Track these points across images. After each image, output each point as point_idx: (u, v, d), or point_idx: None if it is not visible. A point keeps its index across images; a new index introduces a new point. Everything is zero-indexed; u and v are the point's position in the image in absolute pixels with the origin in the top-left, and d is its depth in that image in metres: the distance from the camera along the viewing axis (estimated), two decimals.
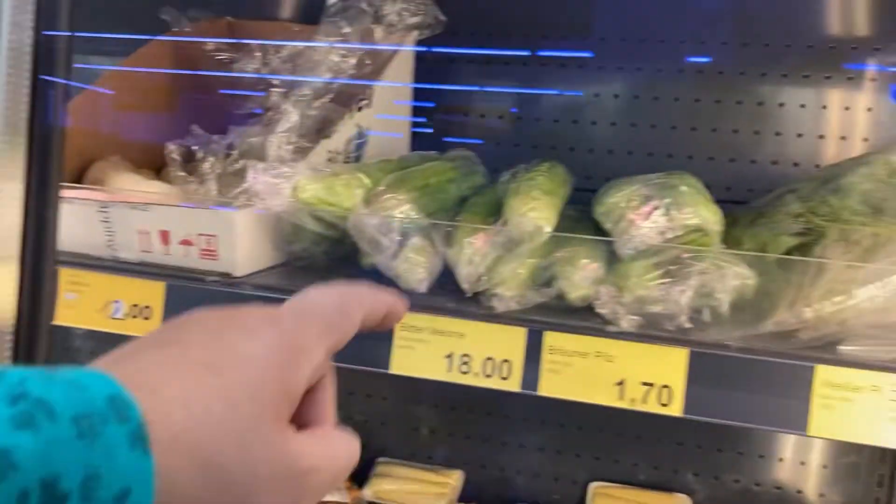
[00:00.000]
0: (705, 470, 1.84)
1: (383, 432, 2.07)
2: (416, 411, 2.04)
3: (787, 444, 1.79)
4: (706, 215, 1.13)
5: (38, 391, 0.40)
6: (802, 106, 1.73)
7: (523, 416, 1.95)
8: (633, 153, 1.82)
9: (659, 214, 1.12)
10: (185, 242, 1.24)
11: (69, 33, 0.74)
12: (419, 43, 1.71)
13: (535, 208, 1.13)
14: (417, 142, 1.87)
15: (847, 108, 1.71)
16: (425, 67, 1.82)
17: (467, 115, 1.95)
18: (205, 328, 0.52)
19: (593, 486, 1.86)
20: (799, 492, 1.79)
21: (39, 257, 0.72)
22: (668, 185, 1.18)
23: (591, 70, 1.84)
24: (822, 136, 1.73)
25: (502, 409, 1.96)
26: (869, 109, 1.70)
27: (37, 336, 0.73)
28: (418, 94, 1.85)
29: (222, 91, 1.76)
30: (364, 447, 1.87)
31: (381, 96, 1.61)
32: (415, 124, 1.87)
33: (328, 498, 1.77)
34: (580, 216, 1.36)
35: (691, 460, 1.85)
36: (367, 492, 1.91)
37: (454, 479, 1.93)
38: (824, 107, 1.72)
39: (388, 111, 1.70)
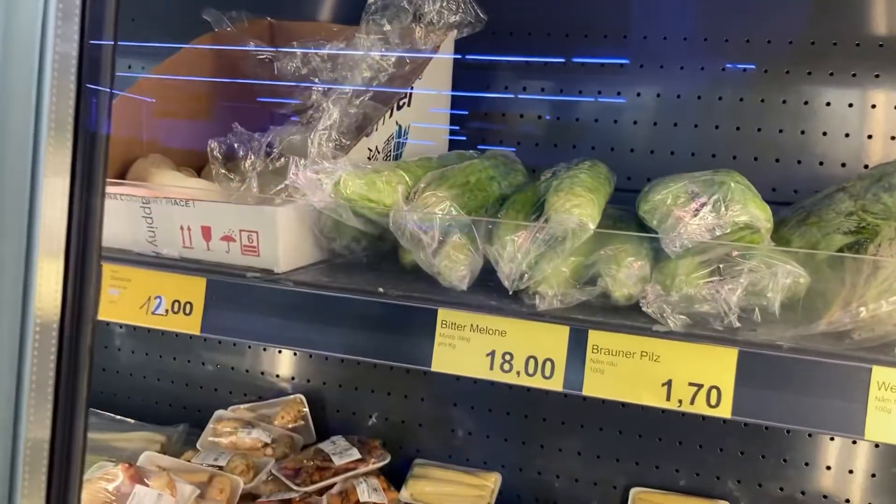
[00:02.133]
0: (749, 477, 1.80)
1: (420, 433, 2.05)
2: (453, 413, 2.02)
3: (834, 452, 1.75)
4: (756, 212, 1.10)
5: None
6: (850, 105, 1.69)
7: (561, 419, 1.92)
8: (676, 153, 1.79)
9: (707, 211, 1.09)
10: (227, 238, 1.24)
11: (113, 42, 0.74)
12: (456, 49, 1.70)
13: (579, 205, 1.11)
14: (455, 143, 1.86)
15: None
16: (461, 72, 1.81)
17: (504, 116, 1.93)
18: None
19: (634, 492, 1.82)
20: (846, 501, 1.74)
21: (84, 253, 0.71)
22: (716, 181, 1.15)
23: (632, 70, 1.82)
24: (870, 136, 1.68)
25: (540, 412, 1.94)
26: None
27: (81, 331, 0.73)
28: (456, 98, 1.85)
29: (262, 89, 1.77)
30: (400, 448, 1.88)
31: (420, 96, 1.60)
32: (452, 126, 1.87)
33: (366, 499, 1.76)
34: (622, 215, 1.34)
35: (734, 467, 1.81)
36: (405, 493, 1.89)
37: (491, 482, 1.91)
38: (873, 106, 1.67)
39: (427, 111, 1.69)
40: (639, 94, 1.81)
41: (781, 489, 1.78)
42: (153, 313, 1.24)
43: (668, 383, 1.04)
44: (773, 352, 1.01)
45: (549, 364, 1.08)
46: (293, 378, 2.17)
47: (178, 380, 2.26)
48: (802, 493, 1.76)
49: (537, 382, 1.09)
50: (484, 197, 1.32)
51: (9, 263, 0.68)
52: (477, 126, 1.93)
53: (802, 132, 1.71)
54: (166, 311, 1.24)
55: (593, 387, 1.06)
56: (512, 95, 1.92)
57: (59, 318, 0.71)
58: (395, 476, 1.93)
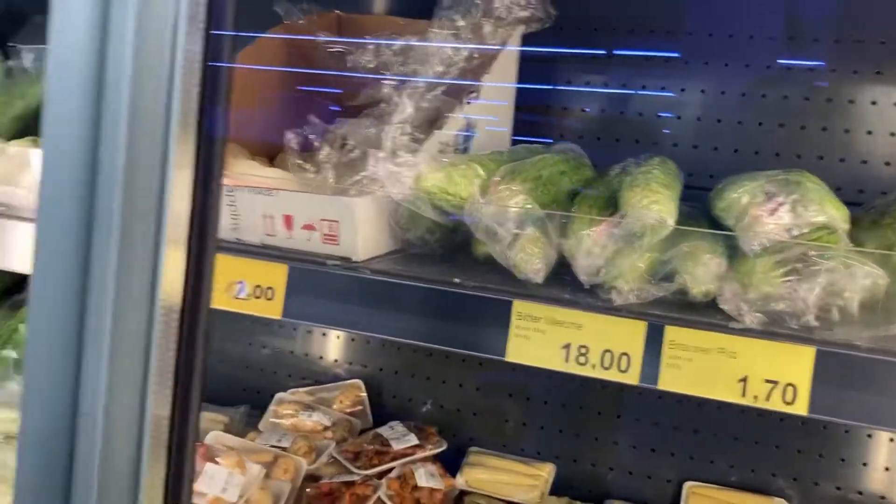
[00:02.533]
0: (805, 475, 1.80)
1: (474, 422, 2.09)
2: (507, 403, 2.05)
3: (893, 454, 1.74)
4: (833, 213, 1.11)
5: None
6: None
7: (617, 412, 1.94)
8: (739, 151, 1.80)
9: (785, 211, 1.11)
10: (308, 227, 1.28)
11: (234, 33, 0.78)
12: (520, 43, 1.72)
13: (657, 201, 1.13)
14: (517, 137, 1.88)
15: None
16: (523, 66, 1.83)
17: (566, 110, 1.95)
18: None
19: (688, 486, 1.84)
20: None
21: (203, 242, 0.76)
22: (791, 181, 1.16)
23: (696, 66, 1.82)
24: None
25: (595, 405, 1.96)
26: None
27: (199, 317, 0.77)
28: (518, 92, 1.87)
29: (332, 81, 1.81)
30: (454, 436, 1.91)
31: (487, 90, 1.63)
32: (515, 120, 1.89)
33: (424, 484, 1.80)
34: (692, 212, 1.35)
35: (791, 464, 1.81)
36: (460, 479, 1.93)
37: (545, 472, 1.93)
38: None
39: (493, 105, 1.71)
40: (703, 91, 1.82)
41: (838, 488, 1.78)
42: (236, 297, 1.29)
43: (744, 379, 1.06)
44: (852, 351, 1.02)
45: (624, 358, 1.11)
46: (350, 363, 2.22)
47: (238, 363, 2.32)
48: (860, 493, 1.76)
49: (613, 376, 1.11)
50: (556, 191, 1.34)
51: (140, 252, 0.72)
52: (538, 120, 1.95)
53: (869, 132, 1.71)
54: (248, 295, 1.28)
55: (669, 381, 1.08)
56: (574, 89, 1.93)
57: (180, 304, 0.75)
58: (448, 463, 1.97)
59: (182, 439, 0.77)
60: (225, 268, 1.32)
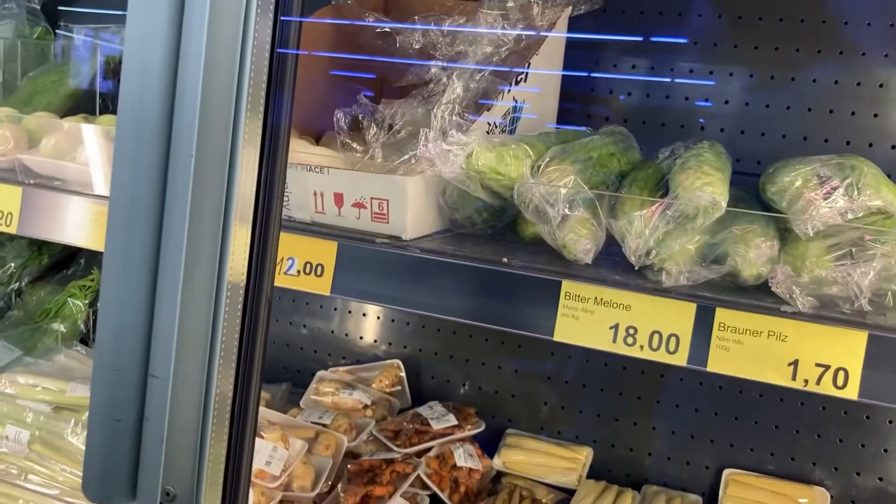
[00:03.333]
0: (846, 465, 1.79)
1: (512, 404, 2.10)
2: (545, 386, 2.06)
3: None
4: (889, 197, 1.10)
5: None
6: None
7: (656, 398, 1.94)
8: (787, 137, 1.78)
9: (839, 195, 1.10)
10: (358, 205, 1.30)
11: (300, 18, 0.79)
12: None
13: (710, 183, 1.13)
14: (563, 120, 1.88)
15: None
16: (570, 50, 1.83)
17: (612, 93, 1.94)
18: None
19: (727, 473, 1.84)
20: None
21: (268, 220, 0.77)
22: (846, 165, 1.15)
23: (744, 50, 1.80)
24: None
25: (635, 390, 1.96)
26: None
27: (262, 294, 0.79)
28: (565, 75, 1.87)
29: (379, 62, 1.82)
30: (492, 418, 1.93)
31: (535, 72, 1.63)
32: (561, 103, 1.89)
33: (462, 464, 1.82)
34: (743, 196, 1.34)
35: (832, 454, 1.80)
36: (497, 461, 1.95)
37: (583, 455, 1.94)
38: None
39: (541, 87, 1.71)
40: (751, 76, 1.80)
41: (880, 479, 1.77)
42: (286, 273, 1.31)
43: (795, 363, 1.05)
44: None
45: (673, 339, 1.11)
46: (389, 344, 2.24)
47: (279, 341, 2.35)
48: None
49: (661, 357, 1.12)
50: (605, 173, 1.34)
51: (209, 229, 0.74)
52: (583, 106, 1.95)
53: None
54: (298, 271, 1.30)
55: (718, 363, 1.08)
56: (619, 77, 1.93)
57: (245, 280, 0.77)
58: (486, 445, 1.98)
59: (244, 412, 0.79)
60: None
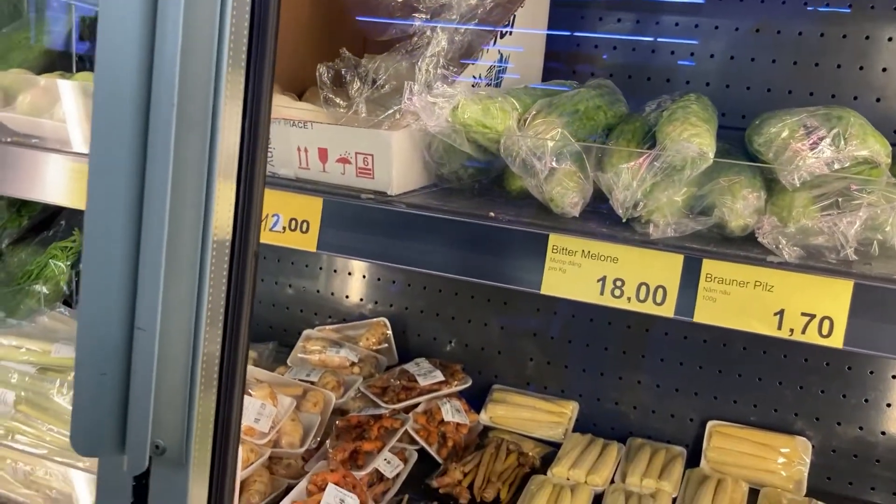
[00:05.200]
0: (828, 415, 1.82)
1: (498, 360, 2.11)
2: (531, 342, 2.07)
3: None
4: (876, 147, 1.10)
5: None
6: None
7: (641, 352, 1.96)
8: (773, 90, 1.77)
9: (826, 145, 1.10)
10: (342, 160, 1.28)
11: None
12: None
13: (697, 134, 1.12)
14: (549, 75, 1.87)
15: None
16: (555, 4, 1.81)
17: (597, 48, 1.92)
18: None
19: (711, 425, 1.86)
20: None
21: (252, 175, 0.76)
22: (833, 115, 1.15)
23: (730, 2, 1.79)
24: None
25: (620, 345, 1.97)
26: None
27: (248, 251, 0.78)
28: (549, 30, 1.85)
29: (360, 17, 1.78)
30: (479, 374, 1.93)
31: (520, 25, 1.61)
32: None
33: (449, 419, 1.83)
34: (729, 149, 1.34)
35: (814, 405, 1.83)
36: (484, 416, 1.96)
37: (569, 409, 1.96)
38: None
39: (526, 41, 1.69)
40: (736, 29, 1.78)
41: (861, 428, 1.80)
42: (271, 230, 1.30)
43: (781, 313, 1.06)
44: (890, 285, 1.02)
45: (660, 291, 1.11)
46: (375, 302, 2.24)
47: (265, 300, 2.35)
48: (883, 433, 1.78)
49: (648, 308, 1.12)
50: (592, 126, 1.33)
51: (193, 184, 0.72)
52: (569, 63, 1.93)
53: None
54: (283, 228, 1.29)
55: (705, 314, 1.09)
56: (603, 36, 1.91)
57: (231, 236, 0.76)
58: (472, 400, 2.00)
59: (232, 367, 0.79)
60: None
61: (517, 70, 1.66)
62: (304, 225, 1.28)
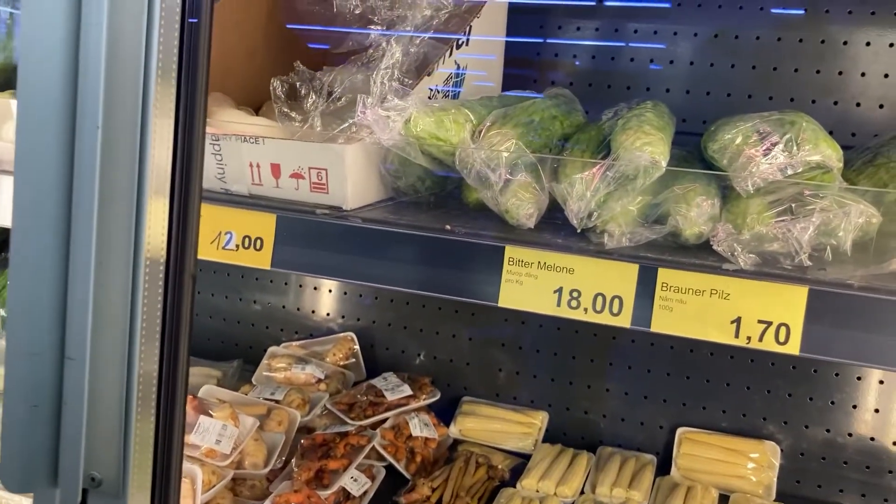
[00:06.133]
0: (795, 419, 1.82)
1: (467, 372, 2.09)
2: (500, 353, 2.06)
3: (883, 395, 1.76)
4: (828, 152, 1.10)
5: None
6: None
7: (609, 360, 1.95)
8: (732, 95, 1.78)
9: (779, 151, 1.09)
10: (296, 176, 1.26)
11: None
12: None
13: (650, 143, 1.12)
14: (508, 85, 1.86)
15: None
16: (513, 15, 1.81)
17: (557, 56, 1.92)
18: None
19: (681, 431, 1.86)
20: (894, 444, 1.76)
21: (188, 191, 0.74)
22: (786, 121, 1.14)
23: (689, 9, 1.79)
24: None
25: (588, 353, 1.96)
26: None
27: (185, 267, 0.75)
28: (509, 40, 1.84)
29: (316, 30, 1.77)
30: (448, 386, 1.92)
31: (477, 36, 1.60)
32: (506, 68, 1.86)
33: (418, 433, 1.81)
34: (685, 156, 1.34)
35: (781, 409, 1.83)
36: (454, 429, 1.94)
37: (538, 420, 1.95)
38: None
39: (483, 52, 1.68)
40: (696, 35, 1.79)
41: (828, 431, 1.80)
42: (224, 248, 1.27)
43: (738, 321, 1.05)
44: (844, 290, 1.01)
45: (617, 301, 1.10)
46: (343, 317, 2.22)
47: (230, 317, 2.32)
48: (849, 434, 1.79)
49: (605, 319, 1.11)
50: (547, 136, 1.32)
51: (122, 202, 0.70)
52: (529, 72, 1.92)
53: (863, 74, 1.69)
54: (237, 246, 1.27)
55: (662, 324, 1.08)
56: (563, 42, 1.90)
57: (165, 255, 0.74)
58: (442, 413, 1.98)
59: (172, 391, 0.76)
60: (212, 218, 1.30)
61: (477, 81, 1.66)
62: (258, 242, 1.26)
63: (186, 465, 1.50)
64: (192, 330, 0.79)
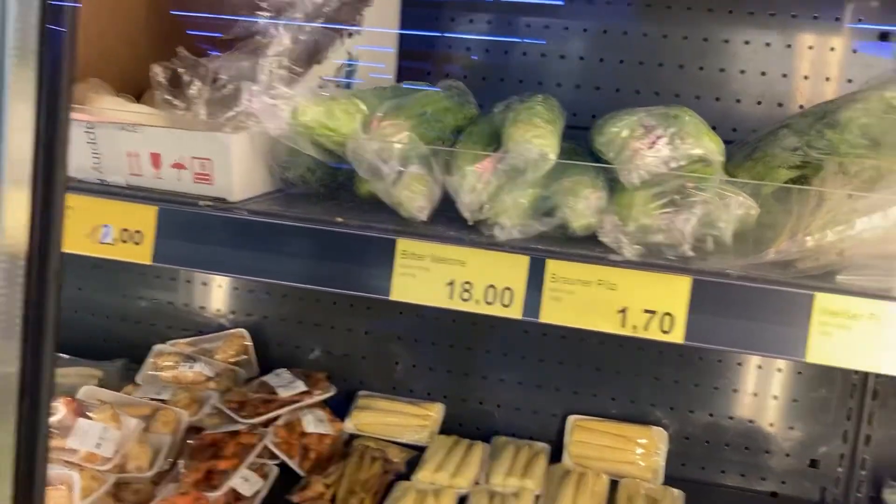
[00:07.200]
0: (681, 404, 1.89)
1: (363, 366, 2.07)
2: (396, 346, 2.04)
3: (760, 379, 1.84)
4: (710, 145, 1.13)
5: None
6: (788, 46, 1.73)
7: (503, 351, 1.97)
8: (621, 90, 1.82)
9: (663, 144, 1.12)
10: (178, 166, 1.21)
11: None
12: None
13: (539, 136, 1.12)
14: (402, 77, 1.84)
15: (833, 49, 1.71)
16: (407, 9, 1.79)
17: (451, 49, 1.92)
18: None
19: (572, 419, 1.89)
20: (770, 424, 1.84)
21: (51, 181, 0.69)
22: (671, 115, 1.17)
23: (579, 4, 1.82)
24: (806, 77, 1.74)
25: (483, 345, 1.98)
26: (854, 51, 1.70)
27: (49, 262, 0.70)
28: (402, 33, 1.82)
29: (200, 15, 1.70)
30: (344, 381, 1.89)
31: (370, 25, 1.57)
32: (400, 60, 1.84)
33: (312, 430, 1.78)
34: (575, 149, 1.35)
35: (668, 395, 1.89)
36: (349, 423, 1.92)
37: (435, 412, 1.95)
38: (811, 47, 1.72)
39: (376, 42, 1.66)
40: (585, 30, 1.82)
41: (711, 415, 1.88)
42: (101, 243, 1.20)
43: (624, 310, 1.07)
44: (725, 280, 1.05)
45: (507, 293, 1.10)
46: (233, 313, 2.15)
47: (114, 314, 2.21)
48: (730, 418, 1.86)
49: (496, 311, 1.11)
50: (440, 128, 1.31)
51: None
52: (423, 65, 1.91)
53: (742, 72, 1.76)
54: (115, 240, 1.20)
55: (551, 314, 1.09)
56: (458, 36, 1.90)
57: (27, 249, 0.69)
58: (339, 408, 1.95)
59: (35, 398, 0.71)
60: (87, 211, 1.23)
61: (370, 73, 1.63)
62: (138, 236, 1.20)
63: (63, 472, 1.42)
64: (58, 328, 0.74)
